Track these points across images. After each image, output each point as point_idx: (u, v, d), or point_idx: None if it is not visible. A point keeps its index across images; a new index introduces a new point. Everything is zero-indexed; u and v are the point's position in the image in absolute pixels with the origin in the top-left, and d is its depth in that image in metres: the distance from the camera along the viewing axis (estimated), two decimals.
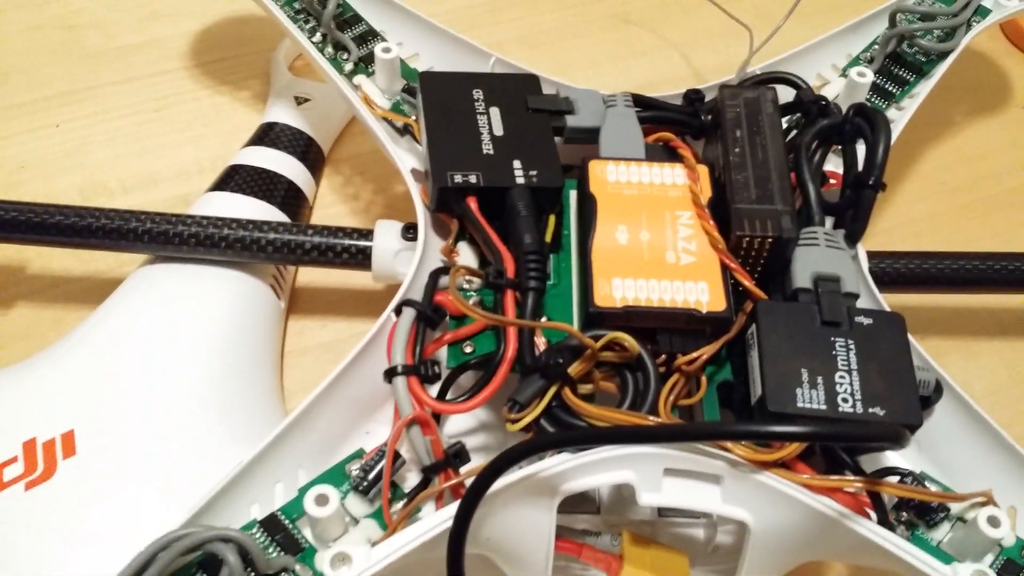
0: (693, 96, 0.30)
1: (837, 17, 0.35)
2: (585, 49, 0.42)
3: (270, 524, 0.22)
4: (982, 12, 0.34)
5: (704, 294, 0.24)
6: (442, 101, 0.28)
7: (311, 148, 0.36)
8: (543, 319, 0.25)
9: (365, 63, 0.32)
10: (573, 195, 0.28)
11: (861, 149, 0.27)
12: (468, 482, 0.22)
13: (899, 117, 0.32)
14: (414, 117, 0.31)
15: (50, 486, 0.25)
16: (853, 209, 0.26)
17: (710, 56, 0.42)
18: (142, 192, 0.36)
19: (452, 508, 0.21)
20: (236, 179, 0.34)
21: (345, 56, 0.32)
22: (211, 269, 0.31)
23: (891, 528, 0.23)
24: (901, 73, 0.33)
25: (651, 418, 0.22)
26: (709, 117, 0.29)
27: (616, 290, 0.24)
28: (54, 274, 0.34)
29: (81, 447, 0.26)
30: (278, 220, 0.33)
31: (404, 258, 0.30)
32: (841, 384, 0.23)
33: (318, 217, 0.36)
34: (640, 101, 0.29)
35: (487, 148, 0.27)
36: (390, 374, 0.23)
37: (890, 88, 0.33)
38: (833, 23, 0.34)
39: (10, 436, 0.26)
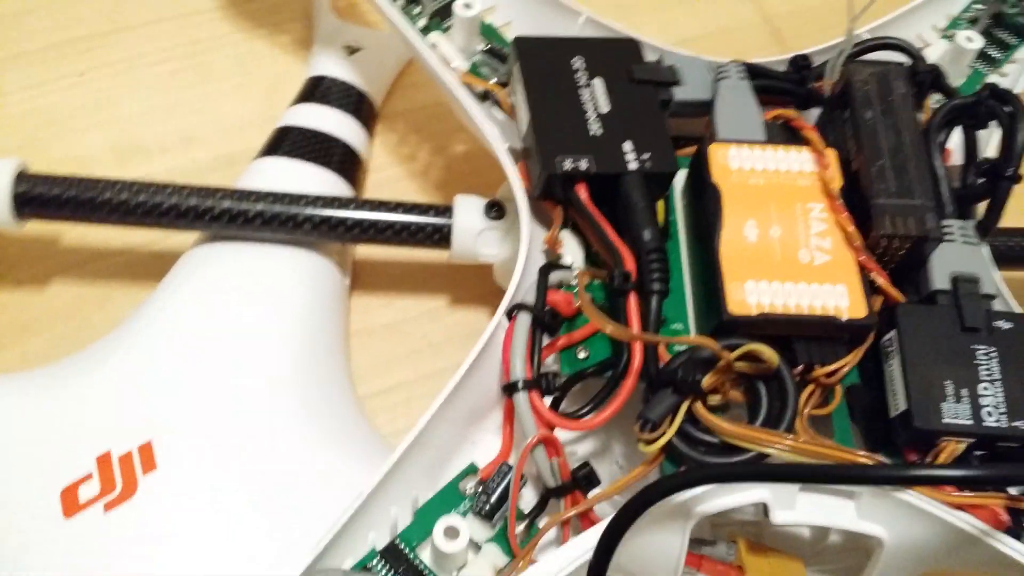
0: (801, 63, 0.28)
1: None
2: None
3: (391, 554, 0.21)
4: None
5: (843, 298, 0.22)
6: (541, 71, 0.25)
7: (364, 104, 0.33)
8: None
9: (440, 17, 0.29)
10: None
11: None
12: (597, 507, 0.21)
13: (1003, 84, 0.30)
14: (494, 80, 0.28)
15: (133, 506, 0.23)
16: (988, 200, 0.24)
17: (781, 2, 0.39)
18: (181, 152, 0.33)
19: (587, 538, 0.20)
20: (288, 142, 0.31)
21: (418, 9, 0.29)
22: (275, 248, 0.28)
23: None
24: (1003, 36, 0.31)
25: (788, 438, 0.21)
26: (818, 86, 0.27)
27: (750, 295, 0.22)
28: (91, 247, 0.31)
29: (161, 460, 0.24)
30: (339, 189, 0.31)
31: (487, 239, 0.28)
32: (984, 396, 0.22)
33: (373, 181, 0.33)
34: (748, 67, 0.27)
35: (594, 128, 0.24)
36: (510, 389, 0.22)
37: (992, 52, 0.31)
38: None
39: (82, 449, 0.24)
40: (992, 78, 0.31)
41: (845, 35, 0.28)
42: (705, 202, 0.24)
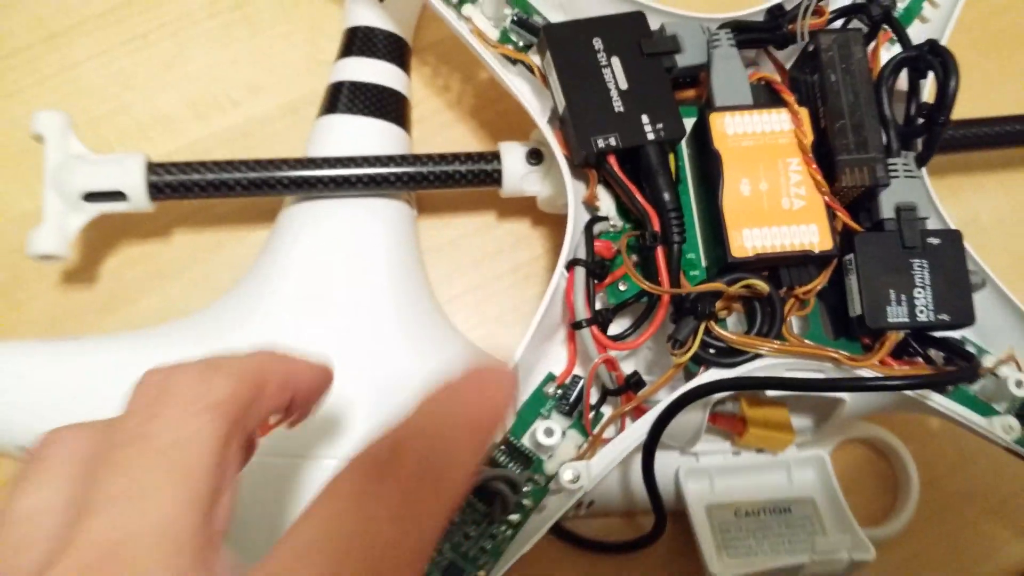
0: (777, 12, 0.34)
1: None
2: None
3: (506, 446, 0.30)
4: None
5: (815, 235, 0.30)
6: (568, 56, 0.31)
7: (404, 48, 0.38)
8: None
9: None
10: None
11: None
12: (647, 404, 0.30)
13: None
14: (521, 44, 0.34)
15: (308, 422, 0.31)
16: (925, 138, 0.31)
17: None
18: (251, 104, 0.39)
19: (641, 424, 0.29)
20: (344, 98, 0.36)
21: None
22: (359, 199, 0.35)
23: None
24: None
25: (776, 343, 0.30)
26: (791, 28, 0.33)
27: (747, 240, 0.30)
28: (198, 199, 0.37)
29: None
30: (397, 135, 0.37)
31: (530, 179, 0.35)
32: (918, 298, 0.30)
33: (417, 114, 0.39)
34: (733, 27, 0.33)
35: (618, 106, 0.31)
36: (577, 326, 0.30)
37: None
38: None
39: None
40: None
41: None
42: (708, 162, 0.31)
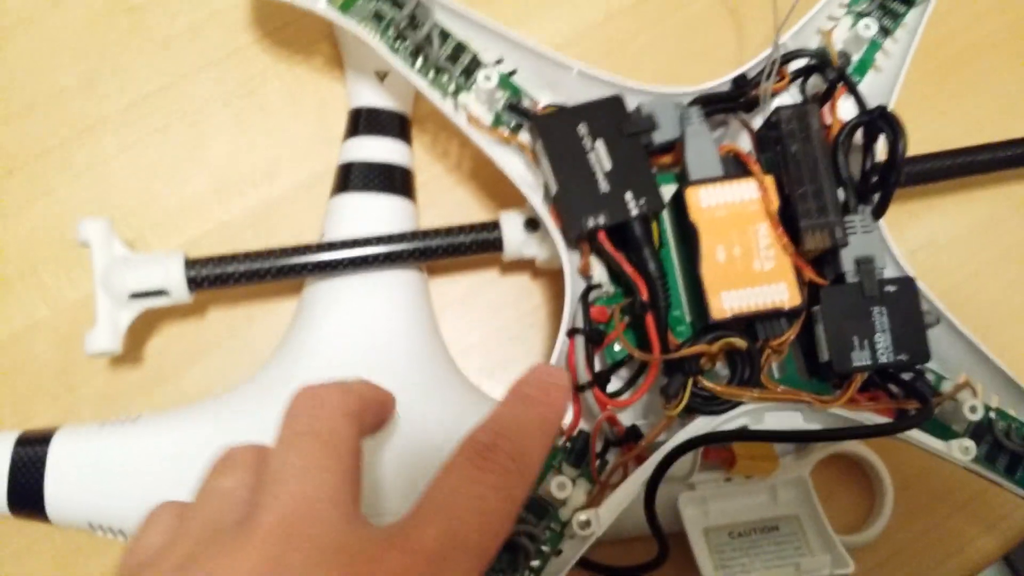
0: (741, 82, 0.37)
1: None
2: None
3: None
4: None
5: (785, 293, 0.34)
6: (557, 142, 0.35)
7: (405, 123, 0.42)
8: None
9: (465, 77, 0.37)
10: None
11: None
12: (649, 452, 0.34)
13: (895, 49, 0.39)
14: (513, 124, 0.37)
15: None
16: (879, 194, 0.35)
17: None
18: (270, 184, 0.42)
19: (643, 469, 0.33)
20: (354, 178, 0.40)
21: (446, 78, 0.37)
22: (374, 273, 0.39)
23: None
24: (894, 6, 0.40)
25: (755, 392, 0.34)
26: (754, 93, 0.37)
27: (725, 302, 0.34)
28: None
29: None
30: (405, 207, 0.40)
31: (528, 244, 0.39)
32: (879, 342, 0.34)
33: (421, 180, 0.43)
34: (703, 100, 0.37)
35: (603, 186, 0.34)
36: (581, 389, 0.34)
37: (885, 24, 0.40)
38: None
39: None
40: (887, 44, 0.40)
41: (772, 47, 0.38)
42: (686, 231, 0.34)
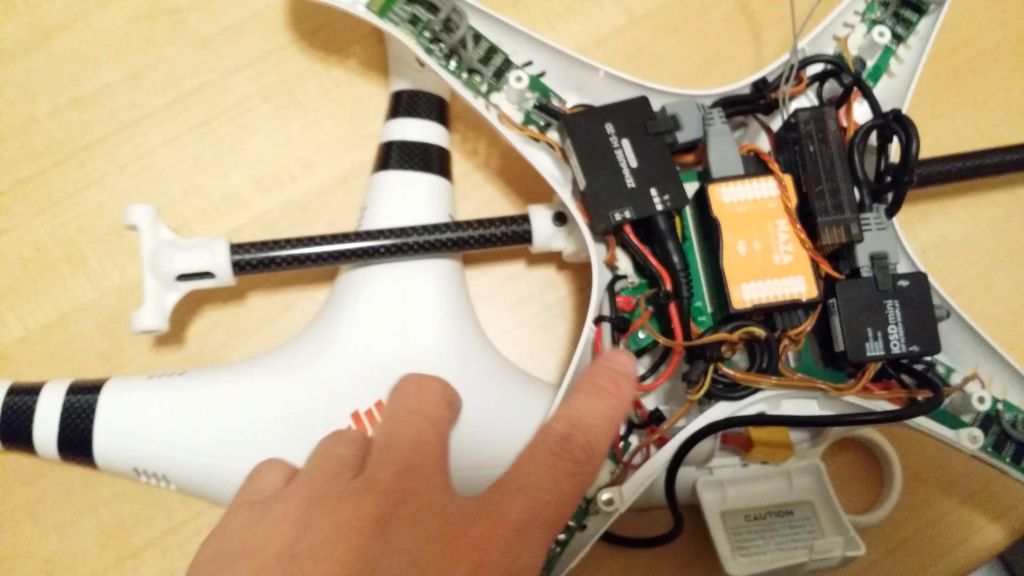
0: (761, 86, 0.39)
1: None
2: None
3: None
4: None
5: (802, 286, 0.36)
6: (585, 141, 0.37)
7: (441, 105, 0.43)
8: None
9: (496, 78, 0.39)
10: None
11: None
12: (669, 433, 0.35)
13: (908, 55, 0.41)
14: (542, 124, 0.39)
15: None
16: (892, 193, 0.37)
17: None
18: (307, 178, 0.44)
19: (665, 451, 0.35)
20: (395, 155, 0.42)
21: (479, 78, 0.39)
22: (413, 260, 0.41)
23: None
24: (907, 14, 0.41)
25: (773, 379, 0.35)
26: (774, 96, 0.39)
27: (745, 293, 0.35)
28: None
29: None
30: (442, 186, 0.42)
31: (557, 238, 0.40)
32: (892, 334, 0.36)
33: (455, 175, 0.44)
34: (724, 103, 0.38)
35: (630, 182, 0.36)
36: None
37: (899, 31, 0.41)
38: None
39: (338, 408, 0.38)
40: (900, 50, 0.41)
41: (790, 53, 0.39)
42: (708, 226, 0.36)
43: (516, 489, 0.26)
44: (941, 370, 0.38)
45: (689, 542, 0.40)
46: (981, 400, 0.37)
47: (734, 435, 0.39)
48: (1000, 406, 0.38)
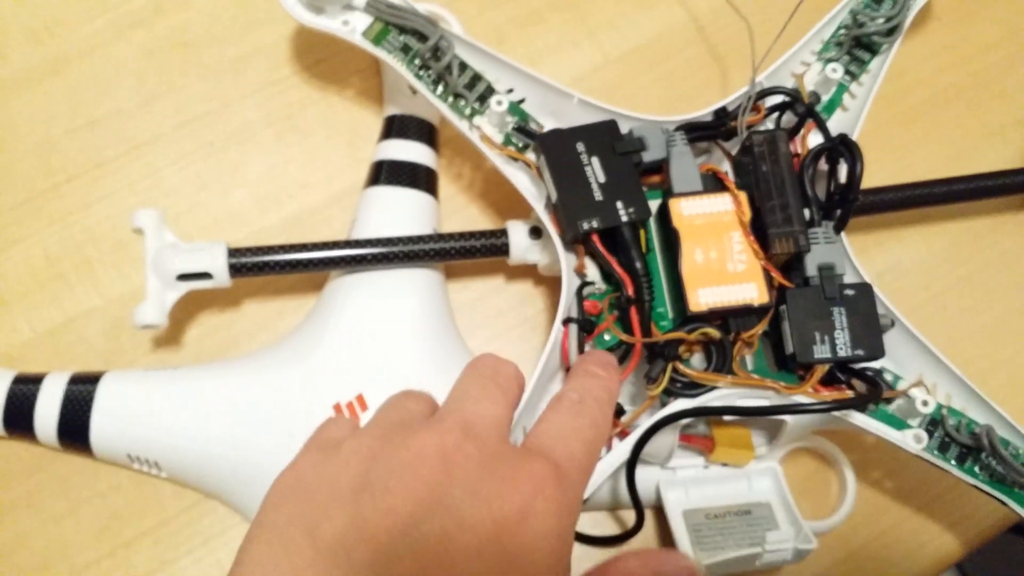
0: (721, 113, 0.43)
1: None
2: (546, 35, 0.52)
3: None
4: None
5: (755, 292, 0.38)
6: (558, 157, 0.40)
7: (430, 129, 0.47)
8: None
9: (480, 102, 0.42)
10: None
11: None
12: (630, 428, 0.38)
13: (860, 91, 0.45)
14: (521, 145, 0.42)
15: None
16: (840, 210, 0.40)
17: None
18: (303, 197, 0.47)
19: (625, 444, 0.37)
20: (385, 172, 0.45)
21: (463, 102, 0.42)
22: (396, 270, 0.43)
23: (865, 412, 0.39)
24: (859, 54, 0.45)
25: (728, 378, 0.38)
26: (733, 124, 0.42)
27: (702, 297, 0.38)
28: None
29: (370, 402, 0.40)
30: (428, 202, 0.45)
31: (532, 250, 0.43)
32: (839, 338, 0.38)
33: (440, 196, 0.48)
34: (687, 127, 0.42)
35: (598, 195, 0.39)
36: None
37: (852, 69, 0.45)
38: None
39: (320, 401, 0.40)
40: (853, 87, 0.45)
41: (749, 85, 0.43)
42: (670, 237, 0.39)
43: (553, 437, 0.30)
44: (889, 378, 0.41)
45: (652, 540, 0.42)
46: (925, 404, 0.39)
47: (698, 436, 0.42)
48: (945, 411, 0.40)
